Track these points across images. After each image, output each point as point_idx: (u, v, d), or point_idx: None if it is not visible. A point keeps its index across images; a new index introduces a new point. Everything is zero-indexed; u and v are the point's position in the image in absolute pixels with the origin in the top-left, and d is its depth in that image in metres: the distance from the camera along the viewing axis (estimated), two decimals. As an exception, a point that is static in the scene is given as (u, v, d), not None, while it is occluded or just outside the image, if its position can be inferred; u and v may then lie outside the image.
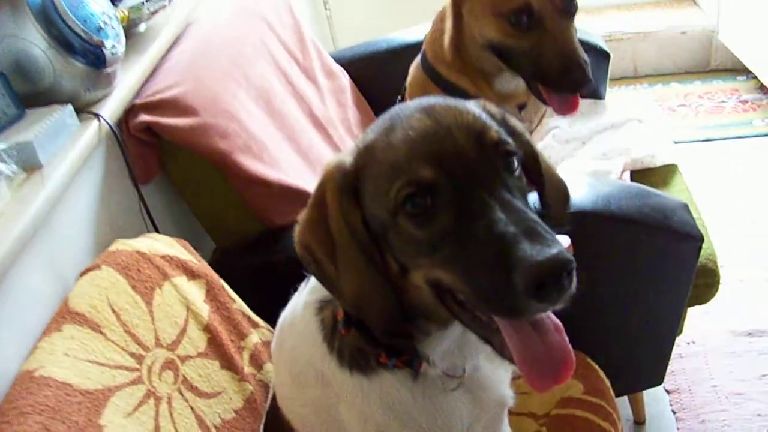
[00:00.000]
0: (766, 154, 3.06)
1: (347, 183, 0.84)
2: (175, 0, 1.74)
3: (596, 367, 1.45)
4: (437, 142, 0.79)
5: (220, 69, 1.66)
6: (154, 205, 1.55)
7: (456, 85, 1.59)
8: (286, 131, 1.78)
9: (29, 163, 1.20)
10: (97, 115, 1.34)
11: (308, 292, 1.04)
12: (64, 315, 1.13)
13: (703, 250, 1.55)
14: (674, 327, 1.63)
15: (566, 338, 0.83)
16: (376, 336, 0.91)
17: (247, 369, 1.37)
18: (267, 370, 1.39)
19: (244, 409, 1.32)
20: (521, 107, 1.67)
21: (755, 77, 3.45)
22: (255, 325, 1.44)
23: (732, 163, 3.03)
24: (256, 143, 1.60)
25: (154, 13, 1.60)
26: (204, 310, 1.34)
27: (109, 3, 1.40)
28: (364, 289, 0.85)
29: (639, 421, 1.97)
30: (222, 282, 1.41)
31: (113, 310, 1.18)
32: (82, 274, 1.21)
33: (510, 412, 1.22)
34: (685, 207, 1.53)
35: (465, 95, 1.31)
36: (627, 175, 1.99)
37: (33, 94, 1.30)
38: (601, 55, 2.20)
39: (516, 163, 0.83)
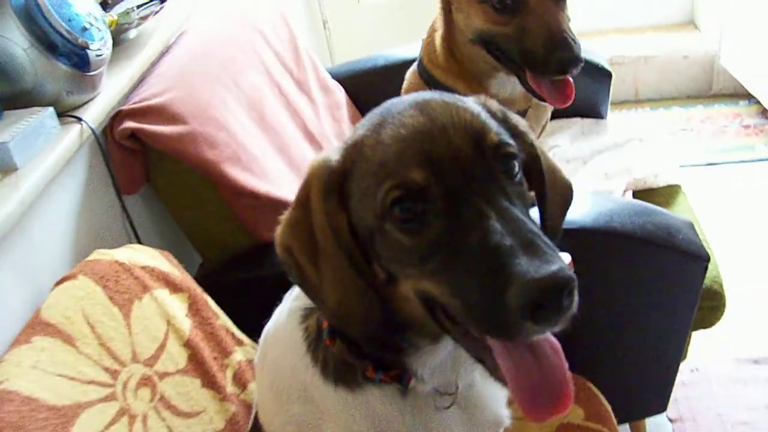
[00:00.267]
0: (770, 179, 3.02)
1: (333, 182, 0.78)
2: (167, 7, 1.70)
3: (597, 392, 1.38)
4: (430, 141, 0.73)
5: (211, 77, 1.61)
6: (139, 215, 1.50)
7: (452, 89, 1.54)
8: (277, 143, 1.73)
9: (3, 165, 1.15)
10: (79, 119, 1.29)
11: (293, 298, 0.97)
12: (35, 326, 1.08)
13: (708, 272, 1.49)
14: (678, 351, 1.57)
15: (565, 362, 0.76)
16: (363, 347, 0.85)
17: (230, 388, 1.30)
18: (251, 390, 1.33)
19: (225, 431, 1.25)
20: (521, 115, 1.62)
21: (758, 102, 3.42)
22: (240, 343, 1.38)
23: (735, 188, 3.00)
24: (245, 154, 1.55)
25: (144, 18, 1.55)
26: (185, 324, 1.28)
27: (96, 4, 1.36)
28: (346, 298, 0.78)
29: (641, 450, 1.90)
30: (206, 297, 1.35)
31: (88, 322, 1.12)
32: (58, 283, 1.15)
33: (506, 436, 1.16)
34: (691, 226, 1.48)
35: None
36: (629, 194, 1.95)
37: (13, 96, 1.25)
38: (602, 74, 2.18)
39: (517, 167, 0.77)
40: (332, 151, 0.81)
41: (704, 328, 1.65)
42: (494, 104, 0.85)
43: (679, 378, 1.88)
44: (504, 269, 0.65)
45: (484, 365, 0.78)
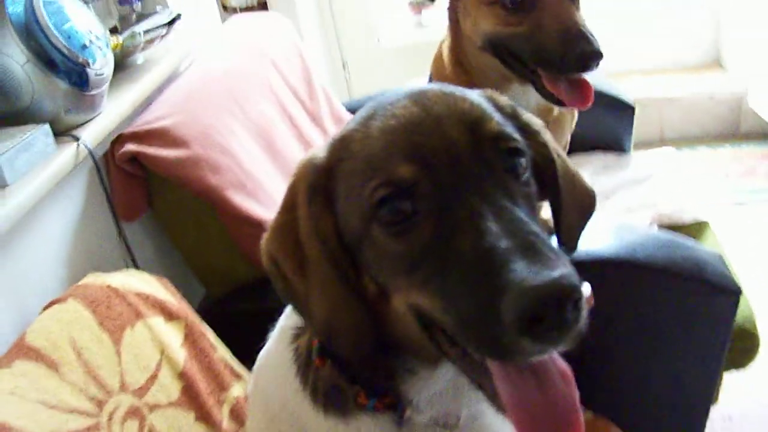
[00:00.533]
0: (801, 221, 2.90)
1: (319, 182, 0.70)
2: (175, 34, 1.67)
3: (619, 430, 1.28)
4: (422, 133, 0.65)
5: (217, 103, 1.57)
6: (137, 240, 1.45)
7: None
8: (286, 172, 1.68)
9: (-8, 180, 1.10)
10: (76, 138, 1.25)
11: (285, 315, 0.89)
12: (18, 350, 1.02)
13: (740, 311, 1.40)
14: (706, 392, 1.46)
15: (576, 391, 0.65)
16: (354, 368, 0.76)
17: (226, 424, 1.23)
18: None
19: (219, 468, 1.17)
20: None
21: (788, 143, 3.32)
22: (238, 377, 1.31)
23: (765, 228, 2.88)
24: (251, 181, 1.49)
25: (150, 42, 1.53)
26: (180, 355, 1.21)
27: (98, 23, 1.33)
28: (334, 313, 0.70)
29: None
30: (204, 328, 1.29)
31: (74, 348, 1.06)
32: (46, 307, 1.10)
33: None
34: (720, 258, 1.39)
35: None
36: (654, 229, 1.85)
37: (11, 112, 1.22)
38: (625, 108, 2.13)
39: (523, 165, 0.68)
40: (319, 147, 0.74)
41: (736, 368, 1.55)
42: (503, 99, 0.77)
43: (710, 426, 1.76)
44: (498, 276, 0.56)
45: (483, 390, 0.68)
